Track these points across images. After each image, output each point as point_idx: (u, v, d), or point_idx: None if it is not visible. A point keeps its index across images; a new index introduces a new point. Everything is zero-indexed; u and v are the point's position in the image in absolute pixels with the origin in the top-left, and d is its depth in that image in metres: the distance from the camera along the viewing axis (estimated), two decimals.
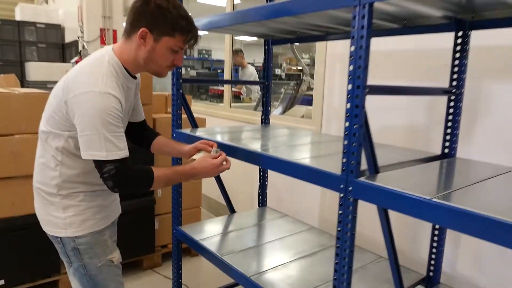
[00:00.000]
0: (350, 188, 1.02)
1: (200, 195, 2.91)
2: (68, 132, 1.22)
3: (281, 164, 1.23)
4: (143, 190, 1.28)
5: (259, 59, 9.99)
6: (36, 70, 4.74)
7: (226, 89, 3.51)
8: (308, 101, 4.92)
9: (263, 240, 1.79)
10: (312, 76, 5.50)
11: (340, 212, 1.07)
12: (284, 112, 3.80)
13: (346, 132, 1.02)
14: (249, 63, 5.27)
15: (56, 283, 2.25)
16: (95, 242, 1.31)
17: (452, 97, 1.35)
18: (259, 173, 2.27)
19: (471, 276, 1.71)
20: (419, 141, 1.92)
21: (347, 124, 1.02)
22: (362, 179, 1.01)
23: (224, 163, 1.37)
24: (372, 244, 2.10)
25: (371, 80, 1.02)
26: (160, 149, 1.58)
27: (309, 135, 1.85)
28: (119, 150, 1.17)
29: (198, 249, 1.74)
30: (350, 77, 1.00)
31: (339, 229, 1.08)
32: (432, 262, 1.48)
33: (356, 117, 0.99)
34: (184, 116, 1.88)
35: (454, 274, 1.76)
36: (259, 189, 2.29)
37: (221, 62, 10.81)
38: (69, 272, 1.36)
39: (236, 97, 4.72)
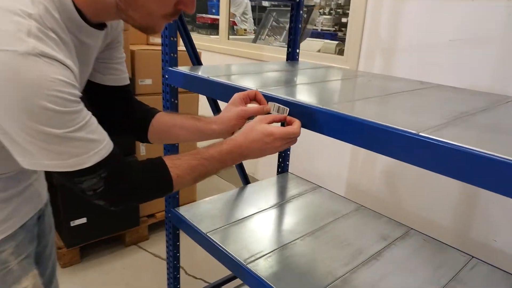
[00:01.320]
0: None
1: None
2: None
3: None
4: (156, 198, 0.74)
5: None
6: None
7: (223, 17, 2.78)
8: (317, 35, 4.22)
9: (300, 230, 1.24)
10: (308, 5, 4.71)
11: None
12: None
13: None
14: None
15: None
16: None
17: None
18: None
19: None
20: None
21: None
22: None
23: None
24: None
25: None
26: (168, 133, 0.93)
27: (382, 80, 1.23)
28: (98, 144, 0.62)
29: (207, 247, 1.18)
30: None
31: None
32: None
33: None
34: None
35: None
36: None
37: None
38: None
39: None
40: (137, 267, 1.94)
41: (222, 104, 1.24)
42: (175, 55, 1.20)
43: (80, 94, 0.59)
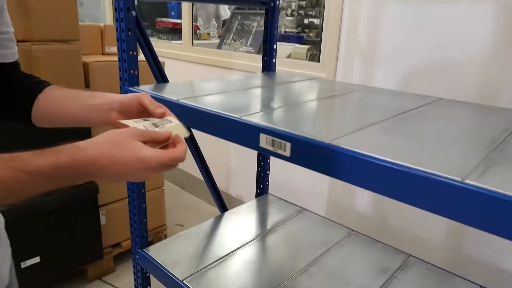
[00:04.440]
0: None
1: None
2: None
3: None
4: None
5: None
6: None
7: (186, 21, 2.59)
8: (283, 38, 4.10)
9: (291, 268, 1.09)
10: None
11: None
12: (258, 51, 2.98)
13: None
14: None
15: None
16: None
17: None
18: None
19: None
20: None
21: None
22: None
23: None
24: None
25: None
26: (55, 108, 0.70)
27: (376, 94, 1.09)
28: None
29: None
30: None
31: None
32: None
33: None
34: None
35: None
36: (257, 169, 1.55)
37: None
38: None
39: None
40: None
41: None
42: (136, 72, 1.02)
43: None
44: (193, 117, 0.82)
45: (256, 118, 0.72)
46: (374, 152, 0.55)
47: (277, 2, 1.33)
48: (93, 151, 0.51)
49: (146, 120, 0.60)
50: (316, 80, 1.26)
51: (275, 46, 1.37)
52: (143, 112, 0.63)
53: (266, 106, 0.86)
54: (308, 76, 1.37)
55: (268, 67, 1.39)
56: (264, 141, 0.68)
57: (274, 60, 1.39)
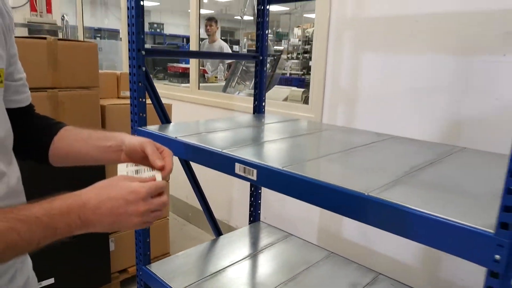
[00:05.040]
0: None
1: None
2: None
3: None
4: None
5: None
6: None
7: (193, 67, 2.87)
8: (285, 81, 4.39)
9: (273, 282, 1.25)
10: (275, 53, 4.93)
11: None
12: None
13: None
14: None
15: None
16: None
17: None
18: None
19: None
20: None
21: None
22: None
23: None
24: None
25: None
26: (71, 149, 0.75)
27: (341, 133, 1.30)
28: None
29: None
30: None
31: None
32: None
33: None
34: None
35: None
36: (250, 199, 1.74)
37: (175, 37, 9.99)
38: None
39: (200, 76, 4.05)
40: None
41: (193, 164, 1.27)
42: (144, 115, 1.25)
43: None
44: (188, 151, 1.03)
45: (233, 151, 0.93)
46: (311, 175, 0.75)
47: (266, 56, 1.58)
48: (84, 194, 0.56)
49: (137, 172, 0.69)
50: (295, 121, 1.48)
51: (264, 92, 1.60)
52: (146, 159, 0.69)
53: (244, 142, 1.07)
54: (292, 117, 1.58)
55: (258, 109, 1.61)
56: (238, 168, 0.88)
57: (263, 103, 1.61)
